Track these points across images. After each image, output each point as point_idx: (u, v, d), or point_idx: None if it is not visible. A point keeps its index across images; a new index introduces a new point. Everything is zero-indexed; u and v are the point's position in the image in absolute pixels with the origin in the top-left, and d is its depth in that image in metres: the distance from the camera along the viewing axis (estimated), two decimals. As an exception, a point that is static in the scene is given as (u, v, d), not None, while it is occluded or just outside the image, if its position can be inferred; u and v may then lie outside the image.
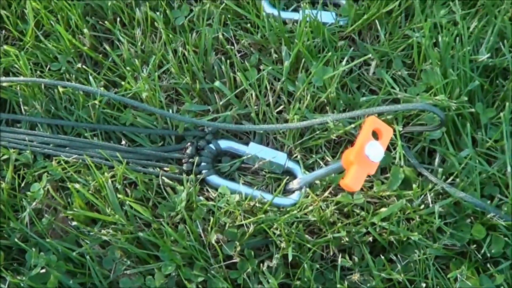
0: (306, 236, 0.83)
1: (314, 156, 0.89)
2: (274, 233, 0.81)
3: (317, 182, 0.86)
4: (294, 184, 0.87)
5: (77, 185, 0.82)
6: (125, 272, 0.82)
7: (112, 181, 0.84)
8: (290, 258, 0.78)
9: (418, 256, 0.80)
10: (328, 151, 0.89)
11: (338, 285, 0.78)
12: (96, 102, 0.88)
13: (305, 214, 0.84)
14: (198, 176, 0.86)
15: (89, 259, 0.80)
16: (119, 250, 0.83)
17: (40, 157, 0.90)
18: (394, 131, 0.79)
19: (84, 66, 0.92)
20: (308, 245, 0.81)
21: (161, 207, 0.84)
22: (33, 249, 0.80)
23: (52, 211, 0.87)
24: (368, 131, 0.72)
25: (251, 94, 0.88)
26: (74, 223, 0.81)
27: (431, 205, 0.82)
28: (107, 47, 0.93)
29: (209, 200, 0.85)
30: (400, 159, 0.83)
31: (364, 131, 0.71)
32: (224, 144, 0.88)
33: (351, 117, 0.82)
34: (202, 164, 0.87)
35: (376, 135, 0.73)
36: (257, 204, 0.83)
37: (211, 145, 0.87)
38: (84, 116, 0.90)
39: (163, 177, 0.85)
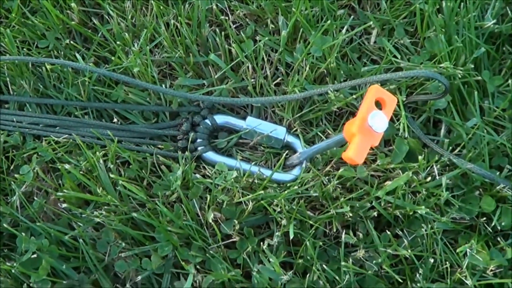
0: (308, 212, 0.80)
1: (314, 129, 0.85)
2: (274, 210, 0.77)
3: (318, 156, 0.82)
4: (294, 159, 0.83)
5: (67, 166, 0.78)
6: (120, 254, 0.79)
7: (104, 161, 0.80)
8: (291, 236, 0.75)
9: (425, 230, 0.77)
10: (329, 123, 0.86)
11: (342, 263, 0.75)
12: (86, 79, 0.85)
13: (306, 189, 0.80)
14: (194, 153, 0.82)
15: (82, 242, 0.77)
16: (113, 232, 0.79)
17: (30, 138, 0.86)
18: (398, 100, 0.76)
19: (72, 42, 0.88)
20: (310, 222, 0.78)
21: (155, 186, 0.81)
22: (23, 234, 0.77)
23: (43, 193, 0.83)
24: (371, 101, 0.68)
25: (248, 67, 0.84)
26: (65, 205, 0.78)
27: (437, 178, 0.79)
28: (96, 22, 0.89)
29: (205, 178, 0.81)
30: (404, 130, 0.79)
31: (366, 100, 0.68)
32: (220, 119, 0.84)
33: (351, 86, 0.78)
34: (198, 140, 0.83)
35: (380, 104, 0.70)
36: (255, 181, 0.80)
37: (206, 121, 0.84)
38: (74, 94, 0.86)
39: (157, 155, 0.82)
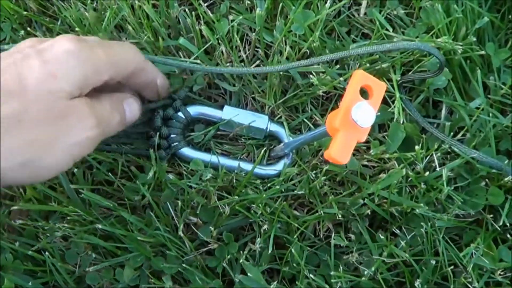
0: (294, 212, 0.72)
1: (300, 115, 0.76)
2: (256, 213, 0.70)
3: (306, 146, 0.74)
4: (278, 150, 0.75)
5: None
6: (92, 266, 0.72)
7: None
8: (270, 246, 0.68)
9: (425, 229, 0.69)
10: (315, 108, 0.77)
11: (332, 272, 0.67)
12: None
13: (293, 185, 0.72)
14: (168, 150, 0.74)
15: (48, 255, 0.70)
16: (82, 243, 0.72)
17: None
18: (395, 82, 0.67)
19: (31, 30, 0.80)
20: (296, 225, 0.70)
21: (125, 190, 0.73)
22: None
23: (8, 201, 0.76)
24: (355, 89, 0.59)
25: (222, 50, 0.76)
26: (20, 221, 0.71)
27: (438, 169, 0.70)
28: (56, 9, 0.80)
29: (180, 177, 0.74)
30: (399, 114, 0.71)
31: (349, 89, 0.59)
32: (194, 110, 0.75)
33: (330, 60, 0.68)
34: (172, 136, 0.75)
35: (366, 93, 0.61)
36: (234, 180, 0.72)
37: (179, 113, 0.75)
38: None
39: (127, 154, 0.74)
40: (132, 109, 0.67)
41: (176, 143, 0.74)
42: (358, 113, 0.57)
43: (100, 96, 0.62)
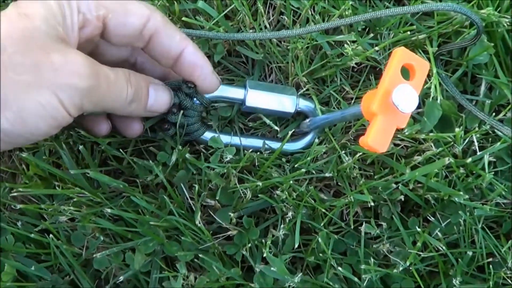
0: (321, 195, 0.66)
1: (327, 88, 0.70)
2: (279, 196, 0.64)
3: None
4: (303, 126, 0.68)
5: (24, 154, 0.64)
6: (100, 250, 0.66)
7: (70, 141, 0.67)
8: (296, 236, 0.62)
9: (463, 218, 0.63)
10: (346, 80, 0.71)
11: (363, 266, 0.62)
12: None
13: (319, 166, 0.67)
14: (186, 138, 0.67)
15: (52, 237, 0.64)
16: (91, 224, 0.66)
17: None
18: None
19: None
20: (323, 210, 0.64)
21: (138, 168, 0.67)
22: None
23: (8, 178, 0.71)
24: (396, 69, 0.53)
25: (244, 15, 0.69)
26: (20, 205, 0.65)
27: (478, 152, 0.64)
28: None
29: (196, 156, 0.67)
30: (436, 90, 0.65)
31: (390, 68, 0.53)
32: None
33: (359, 21, 0.61)
34: (189, 124, 0.66)
35: (407, 72, 0.54)
36: (256, 160, 0.66)
37: (195, 101, 0.66)
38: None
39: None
40: (158, 98, 0.60)
41: (196, 131, 0.67)
42: (399, 97, 0.51)
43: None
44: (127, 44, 0.58)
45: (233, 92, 0.67)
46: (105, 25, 0.54)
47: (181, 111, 0.64)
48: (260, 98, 0.66)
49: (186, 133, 0.66)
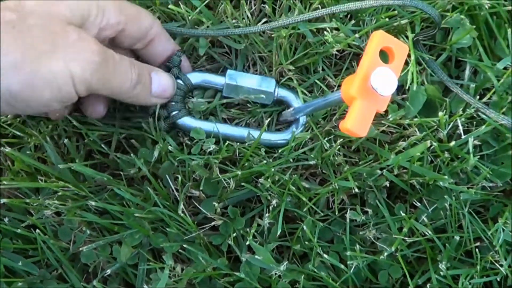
0: (304, 183, 0.66)
1: (311, 76, 0.70)
2: (264, 185, 0.64)
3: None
4: (287, 115, 0.68)
5: (8, 149, 0.64)
6: (86, 244, 0.66)
7: (56, 136, 0.67)
8: (279, 224, 0.62)
9: (449, 203, 0.63)
10: (328, 69, 0.70)
11: (348, 252, 0.62)
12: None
13: (304, 153, 0.66)
14: (167, 120, 0.67)
15: (39, 232, 0.64)
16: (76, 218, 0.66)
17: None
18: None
19: None
20: (305, 199, 0.64)
21: (122, 162, 0.67)
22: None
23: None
24: (375, 52, 0.53)
25: (224, 5, 0.68)
26: (4, 200, 0.65)
27: (463, 136, 0.64)
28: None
29: (181, 148, 0.67)
30: (413, 77, 0.64)
31: (368, 52, 0.53)
32: (195, 77, 0.68)
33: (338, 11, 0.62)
34: (171, 104, 0.68)
35: (386, 56, 0.54)
36: (237, 150, 0.65)
37: (179, 81, 0.68)
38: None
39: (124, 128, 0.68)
40: (161, 82, 0.63)
41: (176, 111, 0.67)
42: (378, 80, 0.51)
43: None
44: (131, 46, 0.63)
45: (215, 78, 0.69)
46: (122, 30, 0.60)
47: None
48: (240, 78, 0.68)
49: (168, 113, 0.67)
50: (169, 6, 0.68)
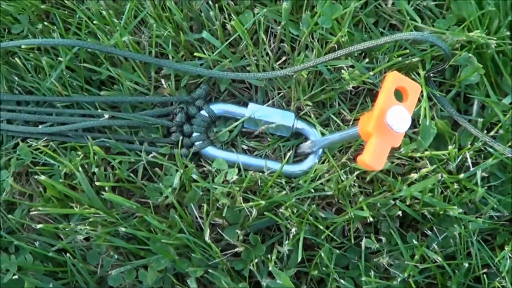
0: (321, 213, 0.70)
1: (327, 111, 0.74)
2: (283, 214, 0.68)
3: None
4: (305, 148, 0.72)
5: (43, 177, 0.68)
6: (114, 268, 0.70)
7: (87, 165, 0.71)
8: (299, 252, 0.65)
9: (458, 232, 0.67)
10: (344, 104, 0.74)
11: (363, 278, 0.66)
12: (61, 59, 0.73)
13: (321, 184, 0.70)
14: (190, 149, 0.72)
15: (69, 256, 0.68)
16: (104, 243, 0.70)
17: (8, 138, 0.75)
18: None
19: (48, 24, 0.76)
20: (322, 228, 0.68)
21: (148, 190, 0.71)
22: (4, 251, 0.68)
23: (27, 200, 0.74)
24: (389, 91, 0.57)
25: (246, 43, 0.73)
26: (40, 225, 0.68)
27: (471, 168, 0.68)
28: (74, 1, 0.76)
29: (205, 177, 0.71)
30: (425, 111, 0.68)
31: (383, 91, 0.57)
32: (218, 108, 0.73)
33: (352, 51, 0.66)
34: (195, 134, 0.72)
35: (400, 94, 0.58)
36: (259, 180, 0.69)
37: (203, 112, 0.73)
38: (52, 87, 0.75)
39: (150, 153, 0.72)
40: None
41: (200, 142, 0.72)
42: (393, 118, 0.54)
43: None
44: None
45: (237, 109, 0.73)
46: None
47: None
48: (260, 112, 0.72)
49: (191, 142, 0.72)
50: (195, 54, 0.72)
